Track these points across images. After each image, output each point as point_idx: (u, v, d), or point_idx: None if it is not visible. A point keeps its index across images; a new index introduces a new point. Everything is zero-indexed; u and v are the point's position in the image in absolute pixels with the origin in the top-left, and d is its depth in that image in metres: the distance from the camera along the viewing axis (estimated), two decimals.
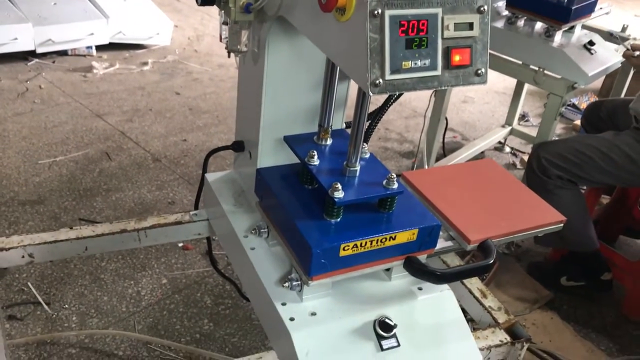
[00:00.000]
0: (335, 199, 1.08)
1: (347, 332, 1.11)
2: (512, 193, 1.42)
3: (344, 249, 1.07)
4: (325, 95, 1.21)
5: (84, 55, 4.48)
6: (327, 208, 1.12)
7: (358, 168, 1.16)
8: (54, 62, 4.36)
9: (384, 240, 1.10)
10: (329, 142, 1.25)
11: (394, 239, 1.11)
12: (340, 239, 1.07)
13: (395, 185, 1.13)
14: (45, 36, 4.21)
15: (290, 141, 1.25)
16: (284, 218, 1.17)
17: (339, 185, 1.08)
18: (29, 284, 2.40)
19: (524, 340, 1.39)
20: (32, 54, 4.27)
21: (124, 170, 3.21)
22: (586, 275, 2.65)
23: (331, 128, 1.25)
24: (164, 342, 2.21)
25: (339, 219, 1.12)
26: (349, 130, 1.15)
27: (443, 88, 0.95)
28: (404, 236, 1.12)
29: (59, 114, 3.69)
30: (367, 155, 1.21)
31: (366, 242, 1.09)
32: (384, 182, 1.13)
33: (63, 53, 4.44)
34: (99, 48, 4.54)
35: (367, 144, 1.33)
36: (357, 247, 1.09)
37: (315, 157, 1.17)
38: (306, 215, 1.13)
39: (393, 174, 1.14)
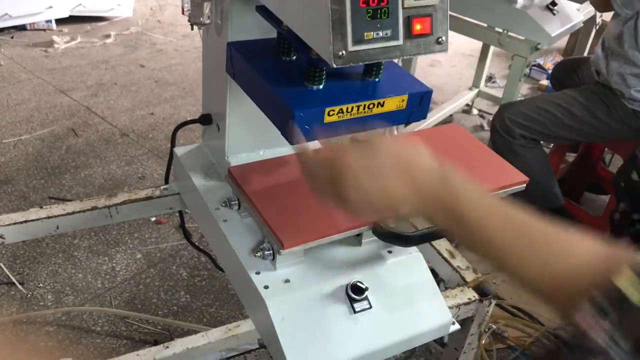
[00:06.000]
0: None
1: (321, 297, 1.14)
2: (477, 156, 1.44)
3: (329, 114, 1.00)
4: None
5: (44, 30, 4.37)
6: (309, 73, 1.02)
7: None
8: (12, 37, 4.24)
9: (371, 106, 1.02)
10: None
11: (382, 105, 1.03)
12: (324, 103, 0.99)
13: None
14: (1, 11, 4.08)
15: (264, 10, 1.13)
16: (261, 89, 1.08)
17: None
18: (1, 264, 2.38)
19: (491, 297, 1.43)
20: None
21: (91, 147, 3.18)
22: None
23: None
24: (142, 316, 2.23)
25: (321, 86, 1.03)
26: None
27: (405, 57, 0.96)
28: (392, 103, 1.04)
29: (21, 91, 3.61)
30: None
31: (352, 108, 1.01)
32: None
33: (22, 28, 4.32)
34: (59, 22, 4.42)
35: None
36: (342, 112, 1.01)
37: None
38: (286, 83, 1.03)
39: None
